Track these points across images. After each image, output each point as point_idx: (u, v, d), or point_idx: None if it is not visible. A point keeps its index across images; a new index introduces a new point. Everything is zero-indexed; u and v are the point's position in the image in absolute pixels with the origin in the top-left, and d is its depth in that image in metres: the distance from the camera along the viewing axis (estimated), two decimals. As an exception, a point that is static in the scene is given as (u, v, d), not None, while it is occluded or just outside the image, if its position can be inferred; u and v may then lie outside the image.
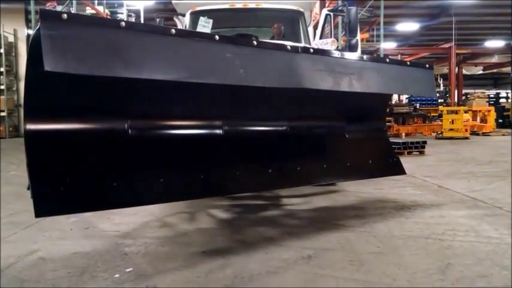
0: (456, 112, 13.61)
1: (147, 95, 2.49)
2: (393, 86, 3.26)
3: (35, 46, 1.79)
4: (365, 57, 2.96)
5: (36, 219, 2.71)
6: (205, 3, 5.65)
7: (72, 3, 11.72)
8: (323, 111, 3.39)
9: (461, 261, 2.31)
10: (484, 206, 3.64)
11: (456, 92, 21.05)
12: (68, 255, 2.48)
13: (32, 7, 11.82)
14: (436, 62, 23.00)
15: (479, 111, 16.49)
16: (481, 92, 23.46)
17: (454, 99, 19.71)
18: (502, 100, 26.56)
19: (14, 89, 16.33)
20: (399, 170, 3.78)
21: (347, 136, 3.52)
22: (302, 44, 4.88)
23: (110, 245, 2.69)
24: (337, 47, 5.45)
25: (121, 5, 14.00)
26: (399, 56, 19.27)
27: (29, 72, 2.05)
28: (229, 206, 3.72)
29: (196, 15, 5.32)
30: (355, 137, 3.55)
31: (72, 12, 9.69)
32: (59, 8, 10.82)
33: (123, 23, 1.95)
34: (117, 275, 2.17)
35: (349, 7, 5.22)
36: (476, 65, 25.69)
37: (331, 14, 5.67)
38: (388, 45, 21.37)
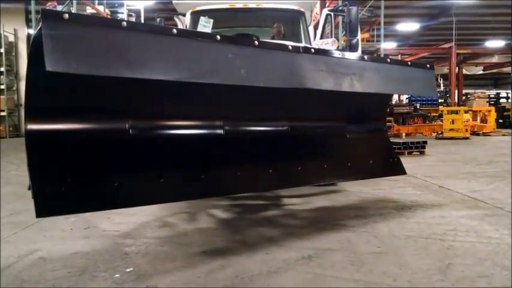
0: (456, 112, 13.62)
1: (147, 95, 2.49)
2: (394, 86, 3.26)
3: (36, 46, 1.79)
4: (366, 57, 2.96)
5: (36, 219, 2.72)
6: (205, 3, 5.65)
7: (72, 3, 11.73)
8: (324, 112, 3.39)
9: (461, 261, 2.30)
10: (484, 206, 3.63)
11: (456, 92, 21.06)
12: (68, 255, 2.48)
13: (33, 7, 11.83)
14: (436, 62, 23.01)
15: (480, 111, 16.49)
16: (481, 92, 23.48)
17: (455, 99, 19.72)
18: (502, 100, 26.55)
19: (14, 88, 16.36)
20: (400, 170, 3.78)
21: (347, 136, 3.52)
22: (303, 44, 4.88)
23: (110, 245, 2.69)
24: (338, 47, 5.46)
25: (121, 5, 14.01)
26: (399, 56, 19.27)
27: (30, 72, 2.05)
28: (229, 206, 3.71)
29: (196, 15, 5.32)
30: (355, 137, 3.54)
31: (73, 12, 9.69)
32: (59, 8, 10.82)
33: (124, 23, 1.95)
34: (117, 275, 2.17)
35: (350, 7, 5.22)
36: (476, 65, 25.70)
37: (332, 14, 5.67)
38: (388, 45, 21.37)
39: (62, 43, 1.73)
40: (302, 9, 5.89)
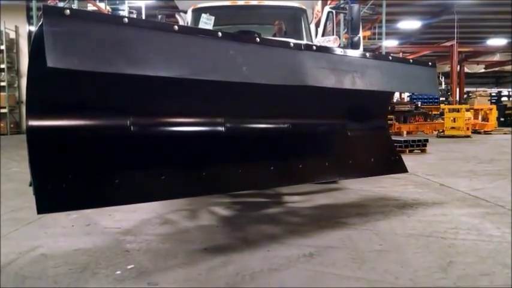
0: (458, 110, 13.59)
1: (149, 91, 2.49)
2: (396, 84, 3.25)
3: (37, 42, 1.78)
4: (368, 54, 2.95)
5: (37, 216, 2.73)
6: (207, 0, 5.64)
7: (73, 1, 11.70)
8: (325, 109, 3.38)
9: (463, 259, 2.30)
10: (486, 205, 3.63)
11: (458, 90, 21.02)
12: (69, 252, 2.48)
13: (34, 4, 11.82)
14: (438, 60, 22.93)
15: (481, 109, 16.47)
16: (483, 91, 23.42)
17: (456, 98, 19.70)
18: (503, 98, 26.46)
19: (16, 85, 16.37)
20: (401, 168, 3.77)
21: (349, 134, 3.51)
22: (305, 42, 4.87)
23: (111, 241, 2.69)
24: (339, 44, 5.45)
25: (122, 2, 13.99)
26: (401, 54, 19.27)
27: (32, 68, 2.05)
28: (231, 203, 3.71)
29: (198, 12, 5.31)
30: (357, 135, 3.54)
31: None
32: (61, 5, 10.81)
33: (126, 19, 1.94)
34: (118, 272, 2.17)
35: (351, 4, 5.22)
36: (478, 63, 25.67)
37: (333, 11, 5.67)
38: (390, 43, 21.36)
39: (63, 39, 1.72)
40: (304, 7, 5.88)
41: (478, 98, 19.57)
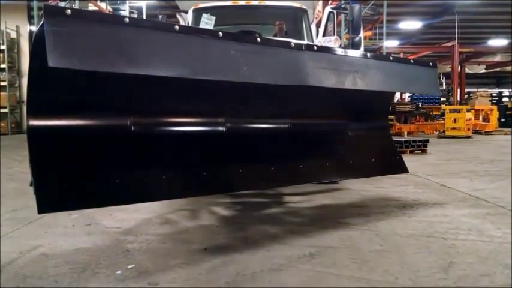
0: (459, 111, 13.59)
1: (150, 91, 2.49)
2: (397, 84, 3.25)
3: (38, 42, 1.78)
4: (368, 55, 2.95)
5: (38, 216, 2.73)
6: (208, 0, 5.64)
7: (74, 1, 11.71)
8: (326, 109, 3.38)
9: (463, 259, 2.30)
10: (486, 205, 3.63)
11: (459, 90, 21.00)
12: (70, 252, 2.48)
13: (35, 3, 11.83)
14: (438, 60, 22.89)
15: (482, 110, 16.47)
16: (484, 91, 23.38)
17: (457, 98, 19.68)
18: (504, 99, 26.50)
19: (16, 85, 16.38)
20: (402, 169, 3.76)
21: (350, 134, 3.51)
22: (305, 42, 4.87)
23: (112, 241, 2.69)
24: (340, 45, 5.45)
25: (123, 2, 14.00)
26: (402, 54, 19.24)
27: (32, 68, 2.05)
28: (231, 203, 3.71)
29: (199, 12, 5.31)
30: (357, 135, 3.53)
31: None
32: (62, 5, 10.81)
33: (127, 19, 1.94)
34: (119, 272, 2.17)
35: (352, 5, 5.20)
36: (479, 63, 25.64)
37: (334, 11, 5.66)
38: (390, 44, 21.34)
39: (64, 39, 1.72)
40: (304, 7, 5.87)
41: (479, 98, 19.53)
